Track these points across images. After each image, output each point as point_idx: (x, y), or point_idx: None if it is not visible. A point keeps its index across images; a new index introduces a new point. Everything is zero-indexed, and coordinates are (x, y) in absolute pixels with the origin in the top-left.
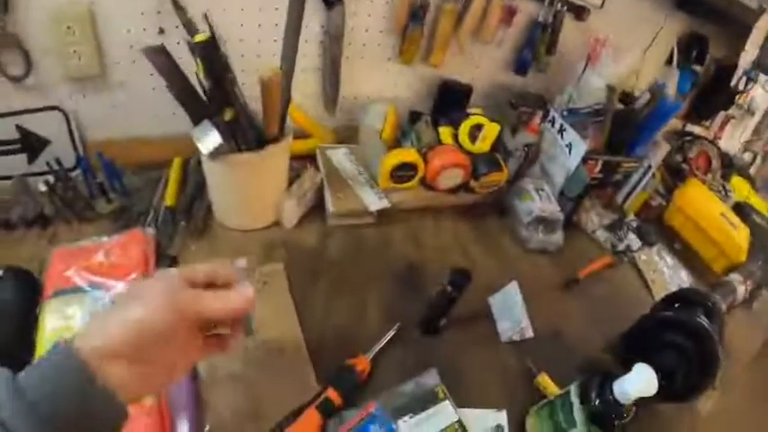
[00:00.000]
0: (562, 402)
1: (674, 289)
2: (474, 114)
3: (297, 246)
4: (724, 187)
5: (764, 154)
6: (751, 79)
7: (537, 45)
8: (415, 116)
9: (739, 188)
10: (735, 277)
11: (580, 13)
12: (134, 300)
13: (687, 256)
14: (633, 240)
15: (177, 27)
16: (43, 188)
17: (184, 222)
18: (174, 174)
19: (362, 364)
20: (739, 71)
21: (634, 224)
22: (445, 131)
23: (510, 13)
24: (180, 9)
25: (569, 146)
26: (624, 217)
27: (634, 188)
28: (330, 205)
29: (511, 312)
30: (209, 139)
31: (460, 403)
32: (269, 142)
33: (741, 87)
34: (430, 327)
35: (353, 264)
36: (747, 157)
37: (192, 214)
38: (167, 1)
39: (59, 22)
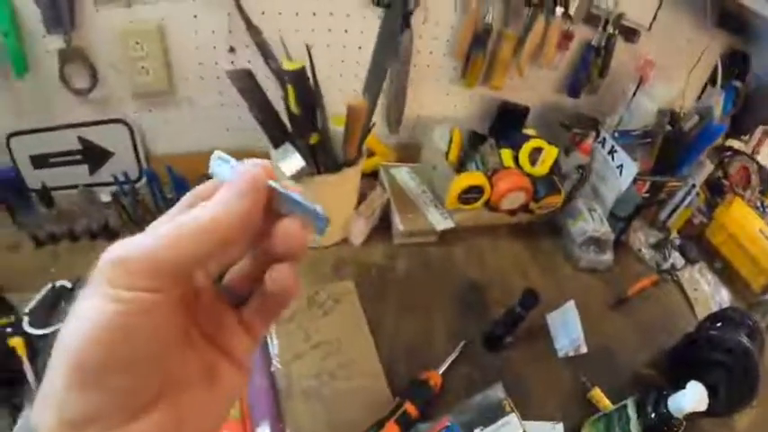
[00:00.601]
0: (619, 415)
1: (714, 307)
2: (533, 137)
3: (364, 263)
4: (762, 203)
5: None
6: None
7: (590, 68)
8: (476, 137)
9: None
10: None
11: (630, 35)
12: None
13: (727, 273)
14: (677, 259)
15: (248, 46)
16: (107, 199)
17: None
18: None
19: (435, 378)
20: None
21: (677, 242)
22: (506, 154)
23: (567, 38)
24: (253, 29)
25: (620, 167)
26: (669, 235)
27: (678, 206)
28: (399, 224)
29: (568, 329)
30: (292, 162)
31: (521, 416)
32: (345, 164)
33: None
34: (495, 343)
35: (420, 281)
36: None
37: None
38: (239, 20)
39: (128, 37)
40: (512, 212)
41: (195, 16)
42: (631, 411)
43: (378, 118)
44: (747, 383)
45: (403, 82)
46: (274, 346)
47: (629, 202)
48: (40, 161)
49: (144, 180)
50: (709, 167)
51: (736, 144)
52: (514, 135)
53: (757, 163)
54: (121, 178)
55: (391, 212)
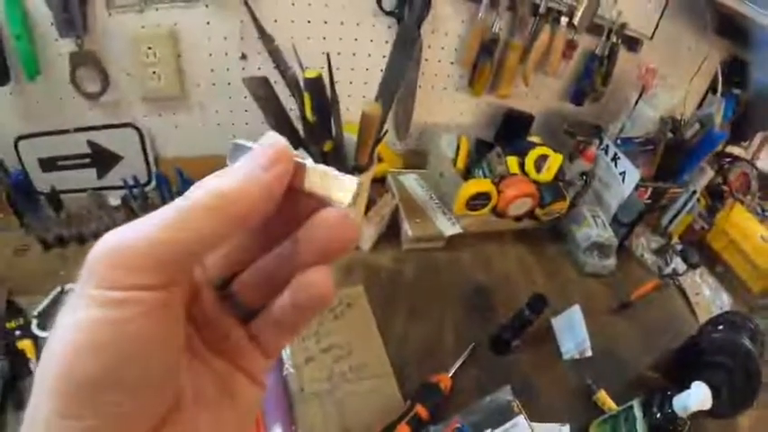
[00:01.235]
0: (625, 416)
1: (716, 311)
2: (538, 145)
3: (374, 268)
4: (762, 208)
5: None
6: None
7: (594, 76)
8: (482, 145)
9: None
10: None
11: (633, 44)
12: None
13: (727, 278)
14: (679, 264)
15: (259, 53)
16: (116, 203)
17: None
18: None
19: (445, 381)
20: None
21: (678, 247)
22: (512, 161)
23: (571, 47)
24: (265, 36)
25: (623, 174)
26: (670, 241)
27: (679, 212)
28: (408, 230)
29: (573, 333)
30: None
31: (529, 417)
32: (357, 170)
33: None
34: (503, 346)
35: (428, 286)
36: None
37: None
38: (251, 27)
39: (140, 42)
40: (518, 218)
41: (208, 23)
42: (637, 412)
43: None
44: (749, 385)
45: (411, 90)
46: (286, 350)
47: (632, 208)
48: (48, 164)
49: (153, 184)
50: (709, 174)
51: (736, 150)
52: (520, 142)
53: (757, 169)
54: (131, 182)
55: (400, 218)
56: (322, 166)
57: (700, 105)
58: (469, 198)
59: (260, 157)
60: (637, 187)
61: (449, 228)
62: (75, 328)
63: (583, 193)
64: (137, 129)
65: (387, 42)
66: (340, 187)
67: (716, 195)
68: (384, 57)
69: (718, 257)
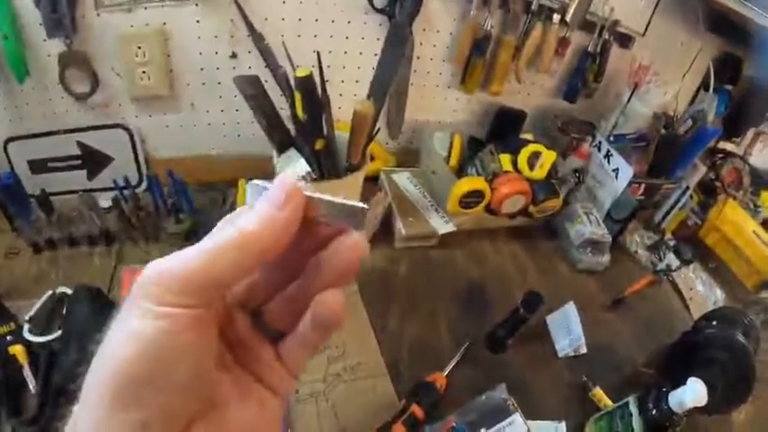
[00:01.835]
0: (621, 412)
1: (710, 306)
2: (531, 142)
3: (367, 267)
4: (754, 203)
5: None
6: None
7: (586, 73)
8: (475, 142)
9: None
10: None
11: (625, 41)
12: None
13: (721, 273)
14: (672, 259)
15: (250, 52)
16: (107, 204)
17: None
18: (242, 194)
19: (440, 380)
20: None
21: (672, 243)
22: (505, 159)
23: (564, 45)
24: (256, 34)
25: (616, 171)
26: (663, 237)
27: (672, 208)
28: (402, 228)
29: (569, 330)
30: (297, 167)
31: (525, 416)
32: (349, 169)
33: None
34: (498, 345)
35: (422, 284)
36: None
37: None
38: (241, 25)
39: (129, 42)
40: (511, 216)
41: (198, 21)
42: (633, 408)
43: (378, 123)
44: (744, 380)
45: (403, 87)
46: None
47: (626, 204)
48: (38, 166)
49: (144, 185)
50: (702, 170)
51: (728, 146)
52: (512, 140)
53: (749, 164)
54: (121, 183)
55: (393, 217)
56: (330, 197)
57: (692, 101)
58: (462, 196)
59: (274, 198)
60: (630, 184)
61: (442, 226)
62: (129, 335)
63: (576, 190)
64: (127, 129)
65: (378, 40)
66: (350, 212)
67: (708, 191)
68: (375, 55)
69: (711, 253)
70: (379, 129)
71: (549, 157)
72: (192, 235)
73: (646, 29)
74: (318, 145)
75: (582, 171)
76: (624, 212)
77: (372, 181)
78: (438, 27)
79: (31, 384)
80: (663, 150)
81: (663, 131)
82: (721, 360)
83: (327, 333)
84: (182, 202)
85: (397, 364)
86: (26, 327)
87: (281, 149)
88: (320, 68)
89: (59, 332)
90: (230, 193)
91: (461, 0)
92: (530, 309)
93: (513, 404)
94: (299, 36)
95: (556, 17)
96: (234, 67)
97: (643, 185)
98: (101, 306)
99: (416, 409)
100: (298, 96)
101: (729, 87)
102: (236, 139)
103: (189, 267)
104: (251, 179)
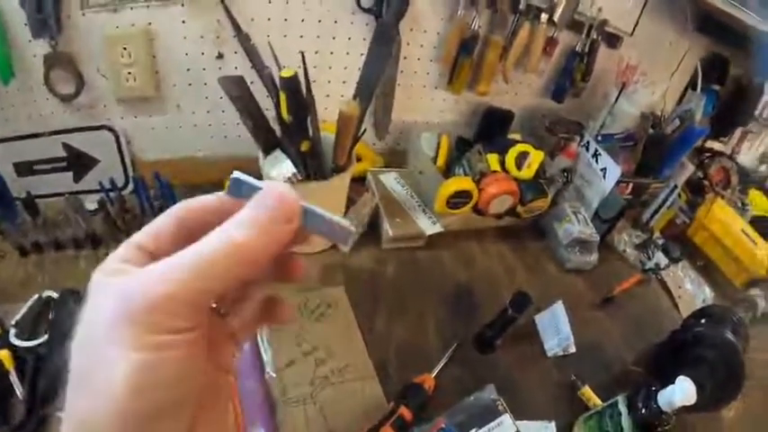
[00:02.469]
0: (610, 412)
1: (698, 304)
2: (519, 142)
3: (354, 269)
4: (742, 202)
5: None
6: None
7: (573, 73)
8: (462, 142)
9: (758, 202)
10: (756, 292)
11: (613, 41)
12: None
13: (709, 271)
14: (661, 258)
15: (236, 53)
16: (93, 207)
17: None
18: None
19: (429, 381)
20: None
21: (660, 242)
22: (493, 159)
23: (551, 44)
24: (242, 35)
25: (604, 170)
26: (652, 236)
27: (660, 207)
28: (389, 229)
29: (557, 330)
30: (283, 168)
31: (514, 416)
32: (335, 170)
33: (765, 115)
34: (487, 345)
35: (409, 285)
36: (764, 169)
37: None
38: (228, 26)
39: (115, 42)
40: (499, 216)
41: (183, 22)
42: (622, 407)
43: (365, 124)
44: (733, 378)
45: (390, 88)
46: (267, 354)
47: (614, 204)
48: (24, 169)
49: (131, 187)
50: (690, 169)
51: (716, 145)
52: (500, 140)
53: (737, 163)
54: (107, 185)
55: (380, 218)
56: (322, 211)
57: (680, 101)
58: (450, 196)
59: (274, 212)
60: (618, 183)
61: (429, 227)
62: (127, 368)
63: (564, 190)
64: (112, 131)
65: (365, 40)
66: (339, 230)
67: (697, 190)
68: (362, 55)
69: (699, 251)
70: (365, 129)
71: (536, 156)
72: None
73: (634, 29)
74: (304, 146)
75: (570, 171)
76: (612, 212)
77: (360, 182)
78: (425, 27)
79: (18, 390)
80: (651, 150)
81: (650, 131)
82: (710, 358)
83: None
84: (168, 204)
85: (385, 366)
86: (12, 331)
87: (267, 151)
88: (305, 69)
89: (46, 336)
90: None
91: (449, 0)
92: (518, 309)
93: (503, 405)
94: (285, 36)
95: (544, 17)
96: (220, 68)
97: (631, 185)
98: None
99: (405, 411)
100: (282, 97)
101: (717, 87)
102: (222, 140)
103: (183, 288)
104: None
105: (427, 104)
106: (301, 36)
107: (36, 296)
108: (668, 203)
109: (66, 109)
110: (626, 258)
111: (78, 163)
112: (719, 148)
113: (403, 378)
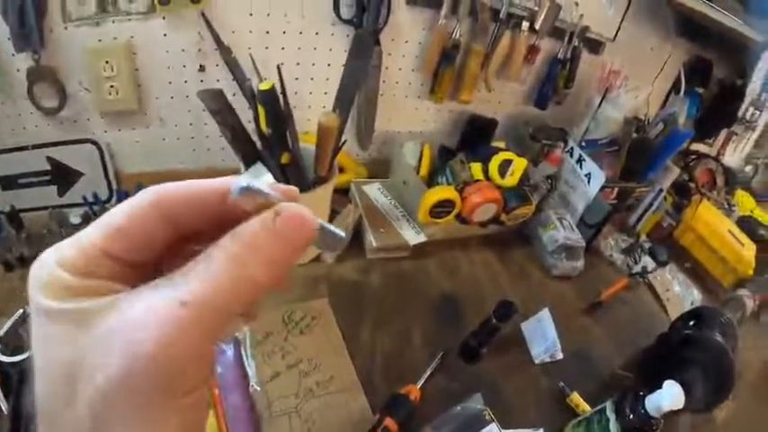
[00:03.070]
0: (598, 418)
1: (687, 306)
2: (502, 150)
3: (338, 280)
4: (728, 203)
5: (766, 165)
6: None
7: (556, 80)
8: (445, 152)
9: (744, 203)
10: (743, 292)
11: (595, 47)
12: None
13: (697, 273)
14: (648, 262)
15: (218, 65)
16: (77, 221)
17: None
18: None
19: (414, 392)
20: (746, 101)
21: (647, 245)
22: (476, 167)
23: (533, 52)
24: (223, 47)
25: (588, 176)
26: (638, 239)
27: (646, 211)
28: (372, 240)
29: (543, 337)
30: (264, 181)
31: (502, 425)
32: (317, 182)
33: (749, 117)
34: (472, 354)
35: (394, 296)
36: (749, 170)
37: None
38: (209, 39)
39: (97, 56)
40: (483, 224)
41: (165, 35)
42: (610, 413)
43: (348, 134)
44: (723, 379)
45: (372, 98)
46: (252, 367)
47: (599, 209)
48: (8, 182)
49: (114, 200)
50: (675, 172)
51: (701, 148)
52: (483, 148)
53: (722, 165)
54: (91, 199)
55: (363, 228)
56: (320, 220)
57: (664, 105)
58: (433, 206)
59: (297, 247)
60: (603, 188)
61: (413, 237)
62: None
63: (549, 197)
64: (96, 144)
65: (346, 51)
66: (331, 238)
67: (682, 192)
68: (344, 66)
69: (687, 253)
70: (345, 140)
71: (520, 164)
72: None
73: (616, 34)
74: (284, 158)
75: (554, 177)
76: (598, 217)
77: (343, 193)
78: (406, 37)
79: (2, 405)
80: (635, 154)
81: (634, 135)
82: (699, 360)
83: None
84: None
85: (370, 377)
86: None
87: (248, 163)
88: (281, 81)
89: (31, 352)
90: None
91: (430, 9)
92: (501, 318)
93: (489, 414)
94: (266, 48)
95: (525, 25)
96: (202, 81)
97: (616, 189)
98: None
99: (390, 423)
100: (261, 110)
101: (700, 90)
102: (205, 152)
103: (199, 348)
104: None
105: (410, 114)
106: (283, 48)
107: (21, 311)
108: (654, 207)
109: (50, 122)
110: (613, 263)
111: (62, 177)
112: (705, 150)
113: (388, 389)
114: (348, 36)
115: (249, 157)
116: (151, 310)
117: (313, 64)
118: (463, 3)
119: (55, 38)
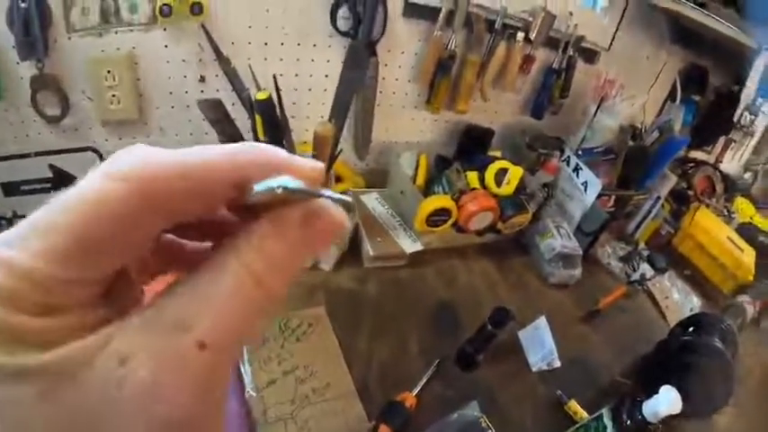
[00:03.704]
0: (595, 425)
1: (686, 313)
2: (498, 159)
3: (335, 288)
4: (728, 210)
5: (765, 172)
6: (753, 114)
7: (552, 89)
8: (442, 161)
9: (744, 210)
10: (744, 298)
11: (590, 56)
12: None
13: (697, 280)
14: (646, 269)
15: (217, 76)
16: None
17: None
18: None
19: (410, 400)
20: (741, 106)
21: (645, 253)
22: (473, 176)
23: (528, 62)
24: (222, 58)
25: (585, 184)
26: (637, 247)
27: (644, 219)
28: (369, 249)
29: (541, 344)
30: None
31: None
32: None
33: (744, 122)
34: (469, 362)
35: (391, 304)
36: (748, 176)
37: None
38: (209, 50)
39: (99, 65)
40: (480, 233)
41: (166, 46)
42: (607, 420)
43: (345, 144)
44: (723, 385)
45: (369, 109)
46: (248, 373)
47: (596, 217)
48: (10, 189)
49: None
50: (673, 179)
51: (699, 155)
52: (479, 157)
53: (721, 172)
54: None
55: (360, 237)
56: (323, 190)
57: (660, 113)
58: (429, 215)
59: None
60: (599, 196)
61: (410, 245)
62: None
63: (546, 205)
64: (97, 152)
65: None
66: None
67: (681, 200)
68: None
69: (686, 260)
70: (341, 150)
71: (516, 173)
72: None
73: (611, 44)
74: None
75: (550, 186)
76: (594, 225)
77: None
78: (403, 48)
79: None
80: (631, 162)
81: (630, 143)
82: (699, 366)
83: None
84: None
85: (366, 385)
86: None
87: None
88: (277, 91)
89: None
90: None
91: (425, 21)
92: (497, 324)
93: (486, 421)
94: (265, 59)
95: (520, 35)
96: (202, 91)
97: (613, 197)
98: None
99: (385, 430)
100: (258, 119)
101: (697, 97)
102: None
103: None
104: None
105: (407, 124)
106: (281, 59)
107: None
108: (652, 215)
109: (52, 130)
110: (611, 271)
111: (64, 184)
112: (703, 157)
113: (384, 396)
114: (345, 47)
115: None
116: (167, 363)
117: (311, 75)
118: (458, 14)
119: (59, 47)
